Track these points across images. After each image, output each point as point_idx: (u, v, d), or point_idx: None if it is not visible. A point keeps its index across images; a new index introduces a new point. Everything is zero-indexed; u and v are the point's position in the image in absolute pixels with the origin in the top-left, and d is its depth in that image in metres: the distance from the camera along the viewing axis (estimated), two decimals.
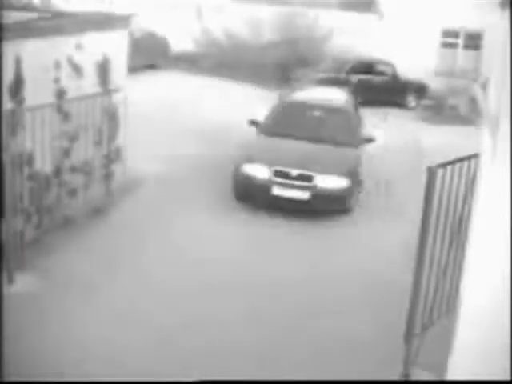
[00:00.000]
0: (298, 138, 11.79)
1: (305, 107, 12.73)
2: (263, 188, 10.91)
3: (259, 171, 10.97)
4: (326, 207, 11.09)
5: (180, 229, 10.10)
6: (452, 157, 6.49)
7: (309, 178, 10.87)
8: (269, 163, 10.99)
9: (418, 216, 6.34)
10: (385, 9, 23.11)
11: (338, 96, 13.88)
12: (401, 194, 12.15)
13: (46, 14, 10.39)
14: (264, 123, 12.48)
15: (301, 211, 10.95)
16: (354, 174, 11.24)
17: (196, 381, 6.23)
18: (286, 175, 10.91)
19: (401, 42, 22.07)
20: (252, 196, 11.15)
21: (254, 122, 12.54)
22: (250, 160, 11.15)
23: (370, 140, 12.30)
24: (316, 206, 10.98)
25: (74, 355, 6.75)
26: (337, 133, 12.15)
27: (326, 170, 11.01)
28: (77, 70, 9.56)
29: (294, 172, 10.92)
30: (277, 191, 10.88)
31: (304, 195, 10.84)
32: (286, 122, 12.41)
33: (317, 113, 12.58)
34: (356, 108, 13.86)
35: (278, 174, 10.92)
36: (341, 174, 10.99)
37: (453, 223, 6.54)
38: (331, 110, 12.77)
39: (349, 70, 20.66)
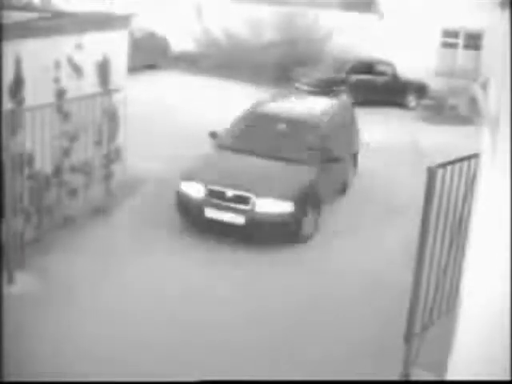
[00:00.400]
0: (253, 154, 10.48)
1: (269, 119, 11.30)
2: (196, 209, 9.71)
3: (195, 190, 9.77)
4: (264, 235, 9.72)
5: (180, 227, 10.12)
6: (452, 157, 6.49)
7: (245, 201, 9.52)
8: (205, 181, 9.74)
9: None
10: (385, 9, 23.11)
11: (317, 108, 12.07)
12: (397, 196, 12.14)
13: (46, 14, 10.39)
14: (222, 135, 11.22)
15: (238, 238, 9.68)
16: (303, 198, 9.85)
17: (196, 381, 6.23)
18: (221, 196, 9.62)
19: (401, 42, 22.06)
20: (188, 217, 10.03)
21: (213, 134, 11.29)
22: (189, 177, 9.97)
23: (335, 159, 10.73)
24: (253, 233, 9.61)
25: (74, 355, 6.75)
26: (297, 149, 10.64)
27: (267, 192, 9.60)
28: (77, 70, 9.57)
29: (230, 192, 9.59)
30: (210, 213, 9.60)
31: (239, 220, 9.48)
32: (245, 136, 11.10)
33: (281, 126, 11.07)
34: (344, 120, 12.26)
35: (212, 193, 9.66)
36: (284, 197, 9.59)
37: (453, 223, 6.54)
38: (297, 124, 11.14)
39: (349, 70, 20.66)
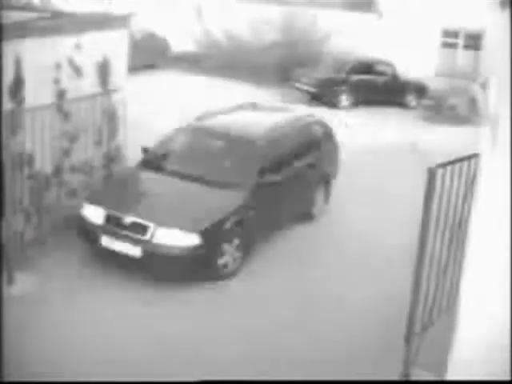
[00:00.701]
0: (176, 175, 9.22)
1: (204, 135, 10.01)
2: (92, 235, 8.58)
3: (95, 214, 8.60)
4: (164, 270, 8.34)
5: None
6: (452, 157, 6.49)
7: (143, 229, 8.22)
8: (107, 205, 8.60)
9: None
10: (384, 9, 23.11)
11: (268, 123, 10.32)
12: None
13: (45, 14, 10.39)
14: (151, 151, 9.94)
15: (136, 272, 8.38)
16: (219, 229, 8.45)
17: (196, 381, 6.24)
18: (117, 222, 8.42)
19: (401, 42, 22.07)
20: (86, 245, 8.87)
21: (146, 150, 10.01)
22: (92, 198, 8.91)
23: (271, 183, 9.24)
24: (150, 268, 8.30)
25: (74, 355, 6.75)
26: (228, 171, 9.31)
27: (170, 221, 8.26)
28: (76, 69, 9.56)
29: (128, 219, 8.36)
30: (106, 242, 8.38)
31: (135, 251, 8.18)
32: (174, 153, 9.89)
33: (216, 143, 9.73)
34: (308, 140, 10.70)
35: (111, 219, 8.48)
36: (189, 227, 8.17)
37: (453, 223, 6.54)
38: (234, 141, 9.69)
39: (349, 70, 20.66)
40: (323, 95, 20.02)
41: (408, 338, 6.32)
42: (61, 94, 9.27)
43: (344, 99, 20.23)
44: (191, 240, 8.16)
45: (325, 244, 10.06)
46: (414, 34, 22.10)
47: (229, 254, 8.61)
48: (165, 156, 9.86)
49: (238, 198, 8.87)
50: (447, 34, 22.74)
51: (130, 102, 10.64)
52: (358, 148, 14.73)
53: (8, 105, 8.17)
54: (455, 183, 6.36)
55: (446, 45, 22.88)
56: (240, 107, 11.56)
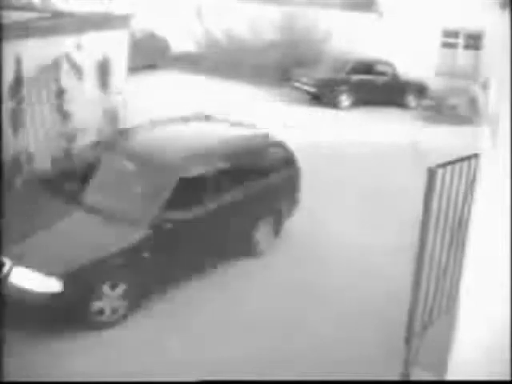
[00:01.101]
0: (70, 202, 7.72)
1: (116, 155, 8.40)
2: None
3: None
4: (18, 321, 6.55)
5: None
6: (452, 157, 6.48)
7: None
8: None
9: None
10: (385, 9, 23.11)
11: (197, 142, 8.78)
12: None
13: (45, 14, 10.41)
14: (53, 168, 8.95)
15: None
16: (90, 274, 6.87)
17: (196, 381, 6.24)
18: None
19: (401, 42, 22.07)
20: None
21: (53, 162, 9.19)
22: None
23: (182, 221, 7.65)
24: (4, 313, 6.32)
25: (74, 357, 6.76)
26: (130, 201, 7.72)
27: (28, 259, 6.77)
28: (77, 69, 9.58)
29: None
30: None
31: None
32: (76, 174, 8.28)
33: (127, 166, 8.12)
34: (249, 167, 8.99)
35: None
36: (50, 271, 6.64)
37: (453, 223, 6.53)
38: (146, 167, 8.06)
39: (349, 70, 20.66)
40: (323, 95, 20.02)
41: (408, 338, 6.32)
42: (61, 94, 9.28)
43: (344, 99, 20.23)
44: (50, 286, 6.63)
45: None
46: (414, 33, 22.08)
47: (108, 303, 7.09)
48: (65, 176, 8.32)
49: (129, 236, 7.35)
50: (447, 33, 22.72)
51: (130, 102, 10.66)
52: (357, 148, 14.73)
53: (8, 104, 8.19)
54: (455, 183, 6.36)
55: (446, 45, 22.86)
56: (186, 120, 9.71)
